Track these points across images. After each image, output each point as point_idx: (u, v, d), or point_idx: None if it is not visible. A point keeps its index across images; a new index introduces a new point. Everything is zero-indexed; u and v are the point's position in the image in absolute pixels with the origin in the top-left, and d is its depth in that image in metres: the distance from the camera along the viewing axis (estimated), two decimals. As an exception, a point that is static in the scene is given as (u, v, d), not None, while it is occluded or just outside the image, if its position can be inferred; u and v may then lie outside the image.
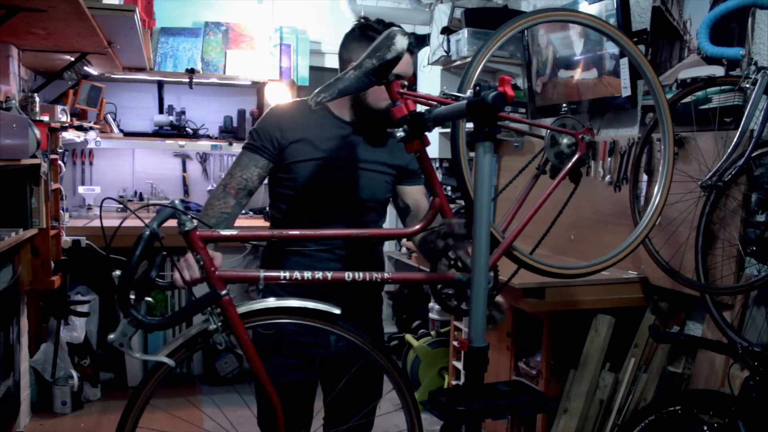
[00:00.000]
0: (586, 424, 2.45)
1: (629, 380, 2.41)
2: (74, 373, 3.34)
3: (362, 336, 1.57)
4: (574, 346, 2.52)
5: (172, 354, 1.40)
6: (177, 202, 1.36)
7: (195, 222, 1.35)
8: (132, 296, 1.32)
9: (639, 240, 1.80)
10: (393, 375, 1.59)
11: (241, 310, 1.43)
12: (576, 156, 1.72)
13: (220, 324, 1.39)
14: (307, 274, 1.42)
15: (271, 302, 1.48)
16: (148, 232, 1.31)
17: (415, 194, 1.92)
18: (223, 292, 1.38)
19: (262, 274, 1.41)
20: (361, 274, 1.45)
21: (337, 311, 1.49)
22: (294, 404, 1.75)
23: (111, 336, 1.33)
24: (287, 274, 1.43)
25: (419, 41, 4.26)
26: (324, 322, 1.51)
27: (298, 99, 1.89)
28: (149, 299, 1.35)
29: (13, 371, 2.91)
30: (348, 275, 1.45)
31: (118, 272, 1.29)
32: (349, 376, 1.76)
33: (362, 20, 1.78)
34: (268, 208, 1.97)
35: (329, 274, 1.44)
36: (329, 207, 1.79)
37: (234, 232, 1.44)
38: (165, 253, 1.36)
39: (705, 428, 1.81)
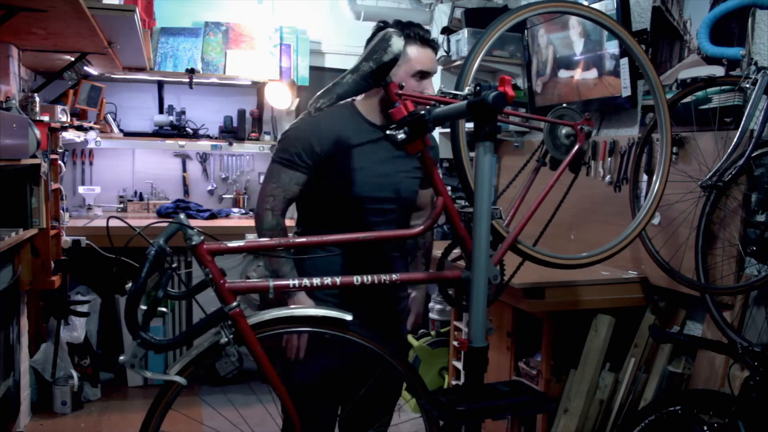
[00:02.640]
0: (586, 424, 2.45)
1: (629, 380, 2.41)
2: (74, 373, 3.34)
3: (377, 341, 1.56)
4: (574, 346, 2.52)
5: (183, 370, 1.39)
6: (182, 216, 1.35)
7: (202, 236, 1.35)
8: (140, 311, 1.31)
9: (637, 231, 1.81)
10: (412, 382, 1.58)
11: (252, 321, 1.42)
12: (576, 147, 1.73)
13: (231, 336, 1.38)
14: (316, 281, 1.41)
15: (282, 311, 1.47)
16: (154, 251, 1.29)
17: (426, 197, 1.94)
18: (233, 304, 1.37)
19: (272, 283, 1.40)
20: (369, 277, 1.45)
21: (349, 317, 1.48)
22: (324, 408, 1.75)
23: (122, 357, 1.33)
24: (296, 282, 1.41)
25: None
26: (336, 329, 1.50)
27: (339, 105, 1.88)
28: (163, 309, 1.34)
29: (13, 371, 2.91)
30: (357, 279, 1.44)
31: (130, 284, 1.28)
32: (369, 387, 1.74)
33: (381, 24, 1.78)
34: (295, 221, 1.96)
35: (338, 279, 1.43)
36: (370, 215, 1.77)
37: (241, 244, 1.43)
38: (171, 271, 1.35)
39: (705, 428, 1.81)
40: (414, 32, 1.74)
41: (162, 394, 1.42)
